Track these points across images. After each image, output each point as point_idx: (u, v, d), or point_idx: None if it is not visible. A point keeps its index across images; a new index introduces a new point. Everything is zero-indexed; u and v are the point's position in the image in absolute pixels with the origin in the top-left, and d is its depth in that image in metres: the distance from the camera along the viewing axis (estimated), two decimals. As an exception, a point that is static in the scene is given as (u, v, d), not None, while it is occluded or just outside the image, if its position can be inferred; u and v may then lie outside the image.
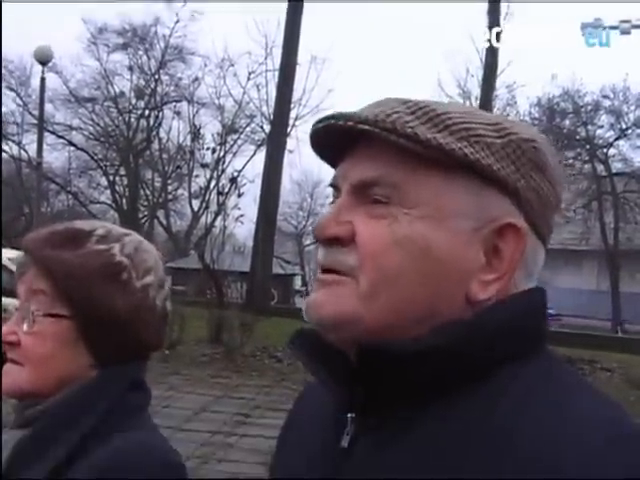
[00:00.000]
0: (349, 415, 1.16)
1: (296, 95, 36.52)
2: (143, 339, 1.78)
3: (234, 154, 48.78)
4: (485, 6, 30.99)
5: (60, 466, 1.59)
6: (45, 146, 34.56)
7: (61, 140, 50.22)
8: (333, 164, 1.25)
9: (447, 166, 1.11)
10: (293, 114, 37.16)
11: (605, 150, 45.29)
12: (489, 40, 30.68)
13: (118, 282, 1.73)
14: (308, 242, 65.17)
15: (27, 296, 1.72)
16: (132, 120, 53.31)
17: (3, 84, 37.40)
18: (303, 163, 47.24)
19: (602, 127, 45.48)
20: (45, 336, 1.68)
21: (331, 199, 1.25)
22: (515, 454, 0.98)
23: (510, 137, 1.14)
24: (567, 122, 45.08)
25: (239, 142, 49.76)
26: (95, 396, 1.69)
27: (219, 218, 32.65)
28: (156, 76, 51.78)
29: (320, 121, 1.19)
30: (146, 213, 56.01)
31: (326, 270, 1.16)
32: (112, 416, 1.68)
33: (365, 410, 1.14)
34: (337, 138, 1.18)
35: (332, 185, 1.23)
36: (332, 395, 1.21)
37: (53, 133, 48.24)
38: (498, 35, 30.53)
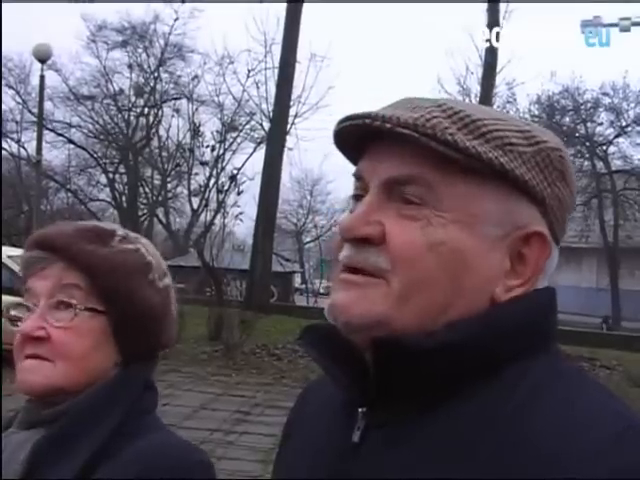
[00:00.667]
0: (360, 410, 1.16)
1: (296, 93, 36.41)
2: (163, 339, 1.82)
3: (234, 152, 48.79)
4: (484, 4, 30.96)
5: (88, 466, 1.58)
6: (44, 144, 34.62)
7: (60, 138, 50.24)
8: (351, 158, 1.26)
9: (481, 173, 1.12)
10: (293, 112, 36.96)
11: (605, 147, 45.33)
12: (488, 38, 30.72)
13: (149, 281, 1.75)
14: (308, 240, 65.27)
15: (53, 291, 1.68)
16: (131, 118, 53.36)
17: (3, 82, 37.35)
18: (303, 161, 47.22)
19: (602, 124, 45.52)
20: (83, 331, 1.67)
21: (354, 192, 1.24)
22: (527, 450, 0.99)
23: (539, 146, 1.15)
24: (567, 119, 45.11)
25: (239, 140, 49.80)
26: (118, 395, 1.69)
27: (218, 216, 32.64)
28: (155, 74, 51.82)
29: (349, 119, 1.18)
30: (145, 211, 56.04)
31: (352, 270, 1.15)
32: (132, 415, 1.69)
33: (377, 405, 1.14)
34: (359, 135, 1.18)
35: (356, 176, 1.22)
36: (343, 391, 1.21)
37: (52, 131, 48.23)
38: (497, 33, 30.53)
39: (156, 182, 55.45)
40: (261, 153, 36.17)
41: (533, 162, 1.14)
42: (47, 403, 1.68)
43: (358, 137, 1.19)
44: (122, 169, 53.37)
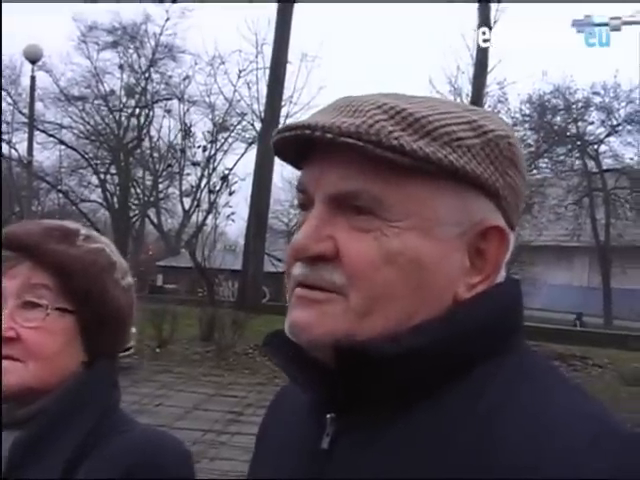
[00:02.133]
0: (328, 416, 1.14)
1: (287, 93, 36.57)
2: (127, 338, 1.82)
3: (225, 152, 48.83)
4: (476, 4, 31.01)
5: (70, 464, 1.57)
6: (35, 145, 34.61)
7: (51, 139, 50.15)
8: (294, 164, 1.22)
9: (430, 174, 1.08)
10: (284, 112, 37.05)
11: (596, 146, 45.47)
12: (479, 38, 30.74)
13: (114, 281, 1.74)
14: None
15: (22, 290, 1.66)
16: (123, 118, 53.29)
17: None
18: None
19: (593, 124, 45.69)
20: (53, 331, 1.65)
21: (299, 202, 1.19)
22: (496, 454, 0.97)
23: (488, 136, 1.11)
24: (558, 119, 45.22)
25: (230, 140, 49.79)
26: (92, 392, 1.68)
27: (210, 216, 32.69)
28: (146, 74, 51.77)
29: (288, 129, 1.13)
30: (137, 212, 55.96)
31: (309, 286, 1.11)
32: (106, 413, 1.68)
33: (344, 411, 1.12)
34: (300, 143, 1.13)
35: (299, 189, 1.17)
36: (310, 397, 1.18)
37: (43, 132, 48.16)
38: (489, 33, 30.56)
39: (147, 183, 55.42)
40: (252, 153, 36.38)
41: (483, 154, 1.10)
42: (19, 404, 1.66)
43: (299, 144, 1.14)
44: (113, 170, 53.31)
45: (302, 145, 1.13)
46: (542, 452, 0.95)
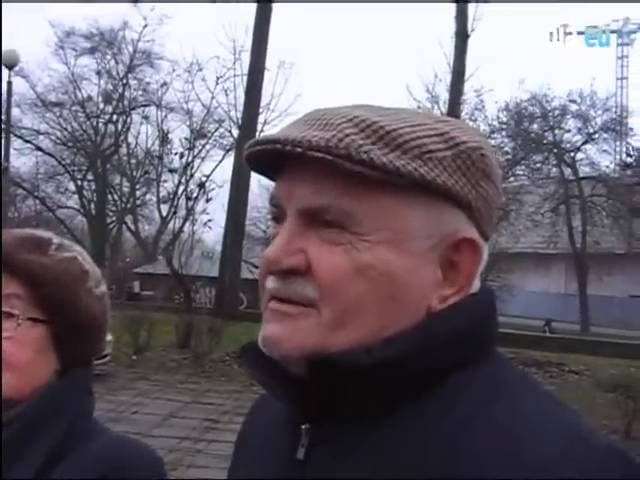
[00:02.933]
0: (303, 427, 1.13)
1: (264, 100, 36.53)
2: (101, 346, 1.81)
3: (202, 159, 48.87)
4: (453, 12, 31.11)
5: (41, 470, 1.58)
6: (12, 151, 34.45)
7: (28, 145, 49.99)
8: (268, 176, 1.21)
9: (401, 187, 1.07)
10: (262, 119, 36.98)
11: (572, 154, 45.78)
12: (456, 45, 30.86)
13: (87, 289, 1.74)
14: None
15: None
16: (100, 125, 53.24)
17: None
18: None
19: (569, 131, 46.04)
20: (25, 341, 1.64)
21: (272, 215, 1.19)
22: (466, 468, 0.96)
23: (459, 148, 1.10)
24: (535, 126, 45.54)
25: (207, 147, 49.83)
26: (64, 400, 1.68)
27: (187, 223, 32.65)
28: (124, 80, 51.77)
29: (258, 143, 1.13)
30: (114, 218, 55.86)
31: (282, 300, 1.11)
32: (78, 420, 1.68)
33: (319, 421, 1.11)
34: (272, 156, 1.13)
35: (272, 203, 1.17)
36: (285, 408, 1.18)
37: (20, 137, 47.96)
38: (466, 40, 30.70)
39: (125, 189, 55.37)
40: (230, 160, 36.38)
41: (454, 166, 1.09)
42: None
43: (272, 157, 1.13)
44: (90, 176, 53.21)
45: (275, 158, 1.13)
46: (511, 464, 0.94)
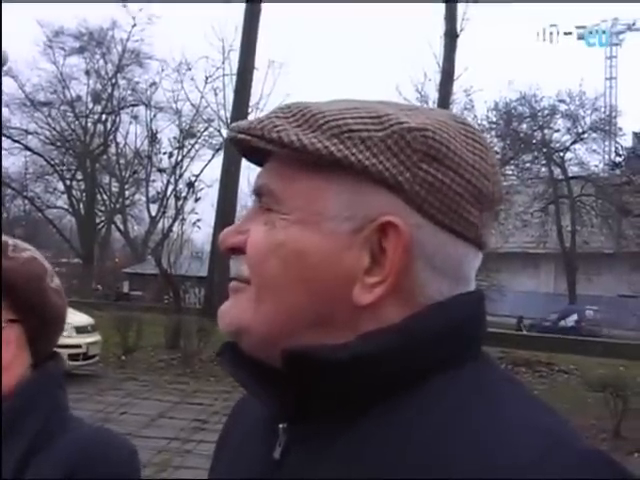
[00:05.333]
0: (280, 426, 1.12)
1: (254, 99, 36.59)
2: (59, 337, 1.87)
3: (192, 159, 49.04)
4: (442, 12, 31.20)
5: (20, 463, 1.62)
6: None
7: (17, 145, 50.03)
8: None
9: (320, 167, 1.07)
10: (251, 118, 37.11)
11: (562, 154, 45.97)
12: (446, 45, 30.96)
13: (49, 286, 1.79)
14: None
15: None
16: (89, 124, 53.30)
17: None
18: (261, 167, 47.37)
19: (558, 131, 46.25)
20: (9, 342, 1.70)
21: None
22: (442, 472, 0.93)
23: (392, 128, 1.06)
24: (524, 126, 45.66)
25: (197, 147, 49.97)
26: (40, 393, 1.73)
27: (177, 223, 32.64)
28: (113, 80, 51.84)
29: (231, 130, 1.18)
30: (103, 218, 55.94)
31: (234, 278, 1.16)
32: (55, 413, 1.73)
33: (296, 420, 1.09)
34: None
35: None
36: (263, 406, 1.16)
37: (9, 137, 47.96)
38: (455, 40, 30.79)
39: (114, 189, 55.49)
40: (219, 160, 36.32)
41: (382, 146, 1.05)
42: None
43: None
44: (79, 176, 53.26)
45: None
46: (488, 469, 0.91)
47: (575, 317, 40.87)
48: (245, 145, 1.14)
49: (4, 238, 1.80)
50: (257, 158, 1.19)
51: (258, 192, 1.13)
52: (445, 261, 1.08)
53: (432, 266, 1.08)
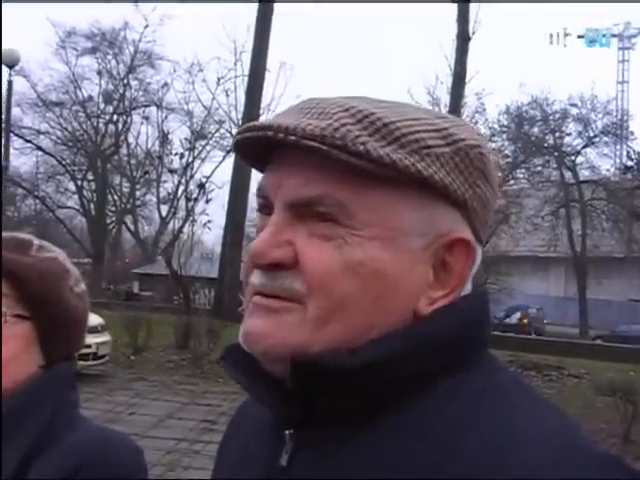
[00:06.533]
0: (287, 432, 1.10)
1: (265, 101, 36.60)
2: (81, 342, 1.85)
3: (203, 160, 49.08)
4: (454, 15, 31.16)
5: (23, 461, 1.61)
6: (12, 150, 34.60)
7: (28, 144, 50.13)
8: (256, 166, 1.16)
9: (398, 181, 1.03)
10: (262, 120, 37.15)
11: (573, 158, 45.85)
12: (458, 48, 30.91)
13: (69, 287, 1.78)
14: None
15: None
16: (100, 125, 53.38)
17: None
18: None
19: (570, 135, 46.14)
20: (11, 337, 1.68)
21: (259, 207, 1.14)
22: (456, 474, 0.93)
23: (458, 145, 1.06)
24: (535, 130, 45.58)
25: (208, 148, 50.02)
26: (46, 392, 1.72)
27: (187, 224, 32.63)
28: (125, 81, 51.93)
29: (249, 129, 1.08)
30: (114, 218, 56.00)
31: (267, 295, 1.07)
32: (62, 413, 1.71)
33: (303, 426, 1.07)
34: (262, 144, 1.08)
35: (259, 195, 1.12)
36: (269, 412, 1.14)
37: (21, 137, 48.06)
38: (467, 42, 30.75)
39: (125, 189, 55.54)
40: (230, 161, 36.32)
41: (452, 164, 1.05)
42: None
43: (260, 146, 1.09)
44: (90, 176, 53.33)
45: (263, 147, 1.08)
46: (504, 471, 0.91)
47: (518, 315, 41.30)
48: (250, 144, 1.09)
49: (29, 237, 1.83)
50: (253, 157, 1.14)
51: (306, 202, 1.04)
52: (473, 270, 1.11)
53: (469, 276, 1.10)
